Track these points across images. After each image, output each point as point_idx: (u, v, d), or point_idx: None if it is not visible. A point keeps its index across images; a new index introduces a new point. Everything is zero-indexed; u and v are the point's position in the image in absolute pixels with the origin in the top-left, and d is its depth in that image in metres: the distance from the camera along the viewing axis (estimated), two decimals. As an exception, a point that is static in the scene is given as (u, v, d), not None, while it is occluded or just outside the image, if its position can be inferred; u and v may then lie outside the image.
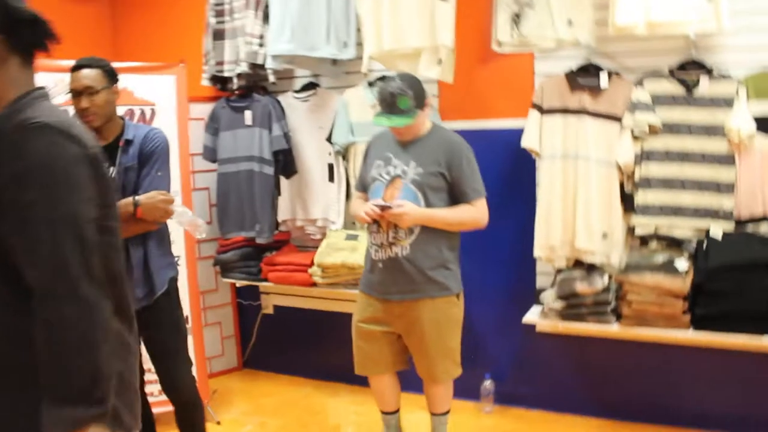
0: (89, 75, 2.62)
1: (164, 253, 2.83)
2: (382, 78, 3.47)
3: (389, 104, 2.76)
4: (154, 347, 2.81)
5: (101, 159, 1.42)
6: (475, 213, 2.84)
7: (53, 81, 3.77)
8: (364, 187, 3.02)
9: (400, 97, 2.74)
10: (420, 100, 2.79)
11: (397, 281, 2.83)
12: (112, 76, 2.69)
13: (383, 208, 2.73)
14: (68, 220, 1.29)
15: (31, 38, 1.40)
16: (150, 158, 2.71)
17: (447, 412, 3.06)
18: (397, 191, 2.82)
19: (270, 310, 4.49)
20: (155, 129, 2.84)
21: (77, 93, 2.61)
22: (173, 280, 2.84)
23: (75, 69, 2.64)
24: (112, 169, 2.65)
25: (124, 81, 3.83)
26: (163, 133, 2.82)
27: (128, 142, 2.70)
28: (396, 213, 2.72)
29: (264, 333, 4.54)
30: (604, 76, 3.16)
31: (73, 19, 4.61)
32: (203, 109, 4.14)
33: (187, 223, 2.71)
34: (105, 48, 4.67)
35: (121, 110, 4.00)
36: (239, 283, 4.27)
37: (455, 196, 2.84)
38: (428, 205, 2.80)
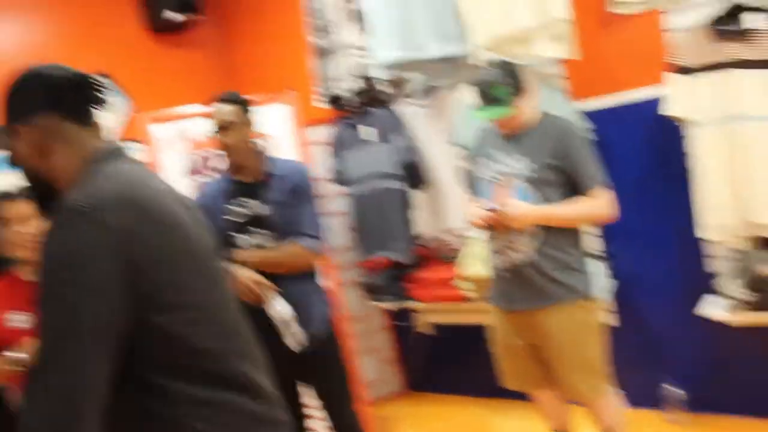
0: (229, 110, 2.61)
1: (316, 289, 2.74)
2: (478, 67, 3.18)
3: (484, 95, 2.50)
4: (319, 395, 2.72)
5: (152, 233, 1.28)
6: (596, 205, 2.48)
7: (174, 129, 3.85)
8: (472, 188, 2.74)
9: (494, 85, 2.46)
10: (518, 87, 2.48)
11: (521, 288, 2.54)
12: (249, 110, 2.67)
13: (494, 210, 2.45)
14: (65, 329, 1.18)
15: (79, 102, 1.38)
16: (305, 195, 2.67)
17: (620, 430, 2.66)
18: (508, 191, 2.51)
19: (425, 329, 4.27)
20: (300, 163, 2.80)
21: (219, 128, 2.61)
22: (329, 318, 2.72)
23: (215, 104, 2.64)
24: (257, 203, 2.61)
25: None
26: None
27: (274, 177, 2.65)
28: (508, 215, 2.42)
29: (423, 353, 4.33)
30: (758, 17, 2.61)
31: (186, 66, 4.73)
32: (321, 133, 4.03)
33: (281, 323, 2.51)
34: (217, 88, 4.72)
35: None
36: (389, 306, 4.10)
37: (574, 189, 2.48)
38: (544, 202, 2.47)
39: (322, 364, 2.68)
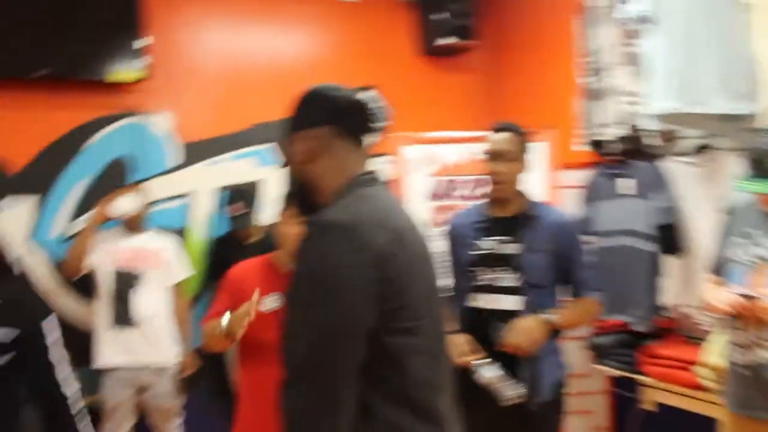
0: (509, 140, 2.54)
1: (554, 350, 2.58)
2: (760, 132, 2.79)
3: (758, 165, 2.22)
4: None
5: (400, 257, 1.37)
6: None
7: (424, 151, 3.89)
8: (718, 269, 2.42)
9: None
10: None
11: (763, 393, 2.20)
12: (526, 144, 2.59)
13: (749, 298, 2.12)
14: (323, 333, 1.31)
15: (358, 124, 1.50)
16: (574, 245, 2.57)
17: None
18: (766, 278, 2.14)
19: (650, 406, 3.88)
20: (562, 210, 2.72)
21: (492, 156, 2.54)
22: (561, 382, 2.57)
23: (496, 131, 2.58)
24: (510, 241, 2.53)
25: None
26: None
27: (535, 218, 2.55)
28: (765, 306, 2.09)
29: (640, 429, 3.94)
30: None
31: (450, 90, 4.77)
32: (575, 177, 3.83)
33: (491, 388, 2.41)
34: (476, 115, 4.70)
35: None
36: (614, 372, 3.78)
37: None
38: None
39: (539, 426, 2.52)
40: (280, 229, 2.31)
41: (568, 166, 3.79)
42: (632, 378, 3.82)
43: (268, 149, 4.31)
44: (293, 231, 2.23)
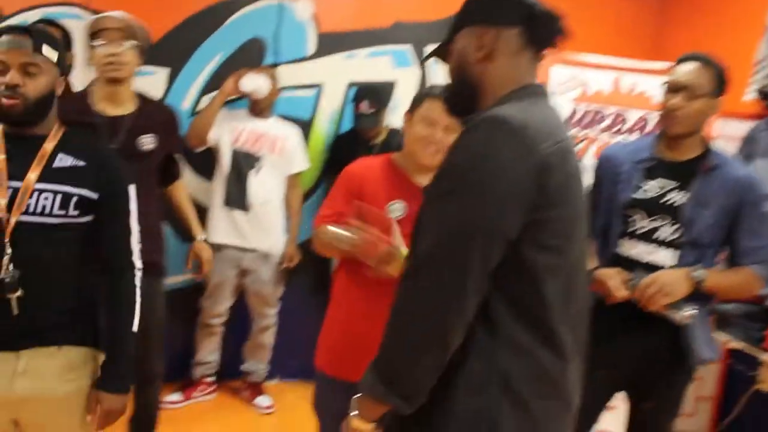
0: (696, 71, 2.21)
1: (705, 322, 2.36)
2: None
3: None
4: (647, 407, 2.41)
5: (560, 170, 1.28)
6: None
7: (566, 75, 3.62)
8: None
9: None
10: None
11: None
12: (721, 81, 2.22)
13: None
14: (458, 226, 1.24)
15: (544, 35, 1.41)
16: (754, 211, 2.22)
17: None
18: None
19: (766, 387, 3.60)
20: (749, 169, 2.37)
21: (673, 88, 2.24)
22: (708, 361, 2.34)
23: (682, 61, 2.28)
24: (677, 188, 2.26)
25: (647, 82, 3.43)
26: None
27: (711, 168, 2.24)
28: None
29: (751, 410, 3.67)
30: None
31: (615, 13, 4.37)
32: (733, 127, 3.44)
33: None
34: (645, 45, 4.31)
35: (633, 116, 3.60)
36: (734, 344, 3.51)
37: None
38: None
39: (667, 394, 2.36)
40: (406, 131, 2.17)
41: (730, 115, 3.41)
42: (753, 354, 3.55)
43: (406, 50, 4.12)
44: (420, 133, 2.11)
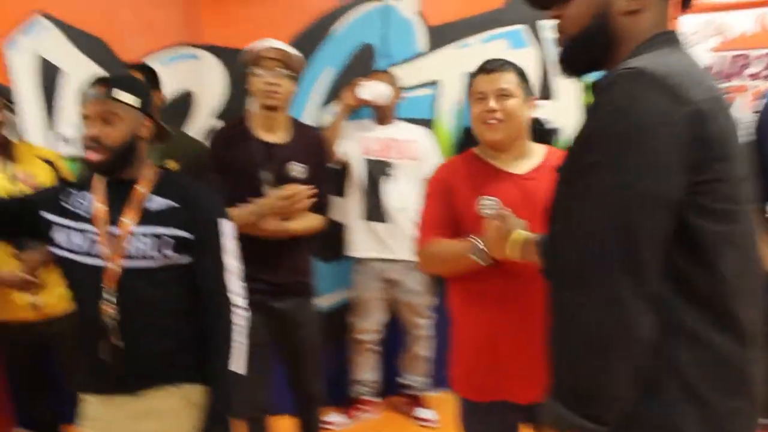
0: None
1: None
2: None
3: None
4: None
5: (720, 119, 1.11)
6: None
7: (699, 23, 3.34)
8: None
9: None
10: None
11: None
12: None
13: None
14: (620, 196, 1.06)
15: None
16: None
17: None
18: None
19: None
20: None
21: None
22: None
23: None
24: None
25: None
26: None
27: None
28: None
29: None
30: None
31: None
32: None
33: None
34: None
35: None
36: None
37: None
38: None
39: None
40: (477, 110, 2.05)
41: None
42: None
43: (520, 30, 3.92)
44: (474, 112, 2.03)
